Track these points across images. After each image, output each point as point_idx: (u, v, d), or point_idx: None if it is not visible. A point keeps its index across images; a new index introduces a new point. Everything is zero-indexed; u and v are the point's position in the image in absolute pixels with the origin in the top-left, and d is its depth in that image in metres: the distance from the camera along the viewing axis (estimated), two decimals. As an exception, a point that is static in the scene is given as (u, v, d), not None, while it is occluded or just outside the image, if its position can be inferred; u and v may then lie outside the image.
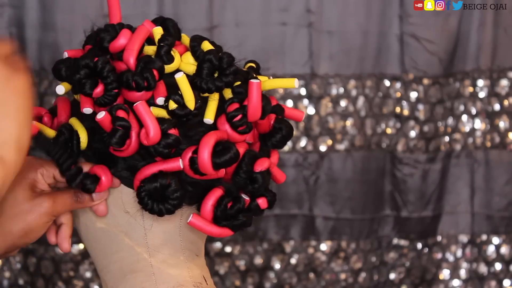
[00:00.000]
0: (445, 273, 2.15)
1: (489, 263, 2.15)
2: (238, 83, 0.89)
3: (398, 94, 2.06)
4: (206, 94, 0.87)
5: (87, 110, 0.85)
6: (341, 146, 2.06)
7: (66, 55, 0.90)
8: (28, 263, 2.01)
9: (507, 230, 2.14)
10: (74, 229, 0.96)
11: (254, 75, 0.92)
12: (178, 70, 0.88)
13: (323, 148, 2.06)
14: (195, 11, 1.97)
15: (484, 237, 2.15)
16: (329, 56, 2.04)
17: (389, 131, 2.07)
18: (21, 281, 2.02)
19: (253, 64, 0.94)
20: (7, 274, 2.02)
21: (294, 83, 0.90)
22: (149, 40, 0.90)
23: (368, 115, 2.06)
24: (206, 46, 0.90)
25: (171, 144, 0.84)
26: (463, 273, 2.15)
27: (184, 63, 0.89)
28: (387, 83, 2.06)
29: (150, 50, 0.88)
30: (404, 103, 2.07)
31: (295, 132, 2.04)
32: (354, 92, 2.05)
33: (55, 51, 1.91)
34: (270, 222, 2.08)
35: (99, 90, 0.85)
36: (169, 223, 0.89)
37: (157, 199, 0.85)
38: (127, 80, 0.84)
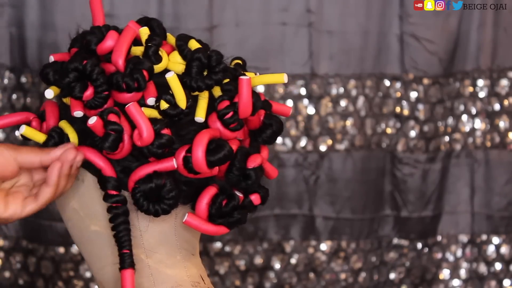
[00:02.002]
0: (445, 273, 2.15)
1: (489, 263, 2.15)
2: (227, 80, 0.89)
3: (398, 94, 2.06)
4: (196, 93, 0.87)
5: (78, 113, 0.85)
6: (341, 146, 2.06)
7: (52, 59, 0.90)
8: (28, 263, 2.01)
9: (507, 230, 2.14)
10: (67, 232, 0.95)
11: (242, 72, 0.92)
12: (166, 70, 0.88)
13: (323, 148, 2.06)
14: (195, 11, 1.97)
15: (484, 237, 2.15)
16: (329, 56, 2.04)
17: (389, 131, 2.07)
18: (21, 281, 2.02)
19: (239, 61, 0.94)
20: (7, 274, 2.02)
21: (283, 78, 0.90)
22: (135, 41, 0.89)
23: (368, 115, 2.06)
24: (193, 44, 0.89)
25: (164, 144, 0.83)
26: (463, 273, 2.15)
27: (172, 63, 0.89)
28: (387, 83, 2.06)
29: (138, 51, 0.88)
30: (404, 103, 2.07)
31: (295, 132, 2.04)
32: (354, 92, 2.05)
33: (55, 51, 1.91)
34: (270, 222, 2.08)
35: (89, 93, 0.84)
36: (164, 223, 0.89)
37: (153, 200, 0.85)
38: (117, 82, 0.84)
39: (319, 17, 2.02)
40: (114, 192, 0.85)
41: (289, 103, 2.04)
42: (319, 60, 2.04)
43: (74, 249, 2.01)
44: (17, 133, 1.95)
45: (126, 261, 0.85)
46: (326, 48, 2.03)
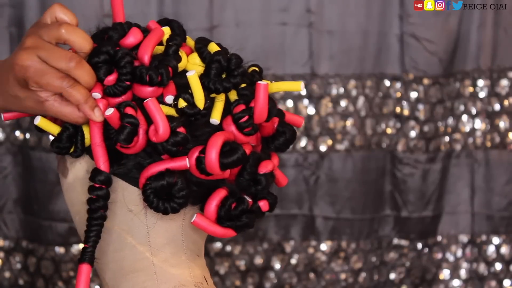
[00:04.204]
0: (445, 273, 2.15)
1: (489, 263, 2.15)
2: (244, 85, 0.89)
3: (398, 94, 2.07)
4: (213, 95, 0.88)
5: (96, 95, 0.85)
6: (341, 146, 2.06)
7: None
8: (28, 263, 2.01)
9: (507, 230, 2.14)
10: (74, 229, 0.95)
11: (259, 78, 0.93)
12: (184, 71, 0.88)
13: (323, 148, 2.06)
14: (195, 11, 1.97)
15: (484, 237, 2.15)
16: (329, 56, 2.04)
17: (389, 131, 2.07)
18: (21, 281, 2.02)
19: (256, 68, 0.94)
20: (7, 274, 2.02)
21: (300, 86, 0.90)
22: None
23: (368, 115, 2.06)
24: (213, 47, 0.90)
25: (179, 142, 0.84)
26: (463, 273, 2.15)
27: (190, 64, 0.89)
28: (387, 83, 2.06)
29: (158, 50, 0.88)
30: (404, 103, 2.07)
31: (294, 132, 2.04)
32: (354, 92, 2.05)
33: (55, 51, 1.91)
34: (270, 222, 2.08)
35: (112, 78, 0.85)
36: (172, 223, 0.89)
37: (163, 198, 0.85)
38: (141, 73, 0.84)
39: (319, 17, 2.02)
40: (98, 186, 0.85)
41: (289, 103, 2.04)
42: (319, 60, 2.04)
43: (74, 249, 2.00)
44: (17, 133, 1.95)
45: (87, 255, 0.85)
46: (326, 48, 2.04)
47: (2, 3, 1.91)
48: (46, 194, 1.96)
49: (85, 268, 0.84)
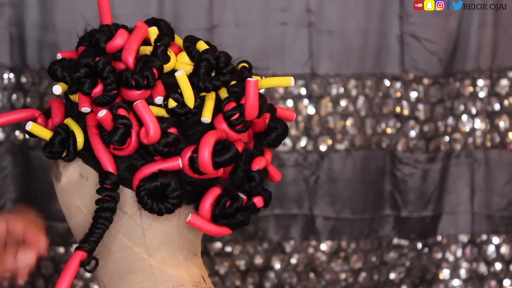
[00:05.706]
0: (445, 273, 2.15)
1: (489, 263, 2.15)
2: (234, 82, 0.89)
3: (398, 94, 2.07)
4: (203, 94, 0.88)
5: (85, 109, 0.85)
6: (341, 146, 2.06)
7: (59, 56, 0.90)
8: (28, 263, 2.01)
9: (507, 230, 2.14)
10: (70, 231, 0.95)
11: (249, 74, 0.93)
12: (174, 70, 0.88)
13: (323, 148, 2.06)
14: (195, 11, 1.97)
15: (484, 237, 2.15)
16: (329, 56, 2.04)
17: (389, 131, 2.07)
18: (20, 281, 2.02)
19: (246, 64, 0.94)
20: (7, 274, 2.02)
21: (290, 81, 0.90)
22: (143, 41, 0.89)
23: (368, 115, 2.06)
24: (202, 46, 0.90)
25: (171, 142, 0.84)
26: (463, 273, 2.15)
27: (179, 63, 0.89)
28: (387, 83, 2.06)
29: (146, 50, 0.88)
30: (404, 103, 2.07)
31: (295, 132, 2.04)
32: (354, 92, 2.05)
33: (55, 51, 1.91)
34: (270, 222, 2.08)
35: (98, 89, 0.85)
36: (167, 223, 0.89)
37: (157, 199, 0.85)
38: (127, 79, 0.84)
39: (319, 17, 2.02)
40: (110, 187, 0.85)
41: (289, 103, 2.04)
42: (319, 60, 2.04)
43: (74, 249, 2.00)
44: (17, 133, 1.95)
45: (88, 246, 0.85)
46: (326, 48, 2.04)
47: (2, 3, 1.91)
48: (46, 194, 1.96)
49: (79, 254, 0.84)
